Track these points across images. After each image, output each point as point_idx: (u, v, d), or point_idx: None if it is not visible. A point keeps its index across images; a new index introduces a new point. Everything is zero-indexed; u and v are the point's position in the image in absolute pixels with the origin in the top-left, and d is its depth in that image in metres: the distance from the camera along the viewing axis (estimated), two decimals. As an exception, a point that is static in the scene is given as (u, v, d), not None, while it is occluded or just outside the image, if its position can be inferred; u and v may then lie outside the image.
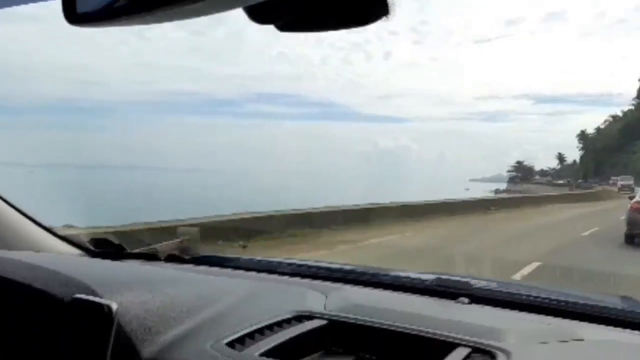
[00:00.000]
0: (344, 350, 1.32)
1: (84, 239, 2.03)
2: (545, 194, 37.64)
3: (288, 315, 1.32)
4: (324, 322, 1.33)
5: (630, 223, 13.13)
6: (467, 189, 60.98)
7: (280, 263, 2.01)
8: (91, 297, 1.12)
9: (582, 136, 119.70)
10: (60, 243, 1.89)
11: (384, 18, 0.53)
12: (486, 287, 1.66)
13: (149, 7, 0.49)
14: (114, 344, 1.08)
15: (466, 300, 1.55)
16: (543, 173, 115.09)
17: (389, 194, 37.44)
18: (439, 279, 1.68)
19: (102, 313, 1.09)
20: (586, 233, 14.33)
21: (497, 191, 65.68)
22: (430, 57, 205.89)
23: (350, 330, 1.32)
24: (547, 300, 1.55)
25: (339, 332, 1.33)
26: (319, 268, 1.94)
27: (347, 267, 1.98)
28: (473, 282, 1.66)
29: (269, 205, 14.84)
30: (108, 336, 1.08)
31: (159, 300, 1.22)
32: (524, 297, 1.59)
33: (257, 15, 0.54)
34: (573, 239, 13.07)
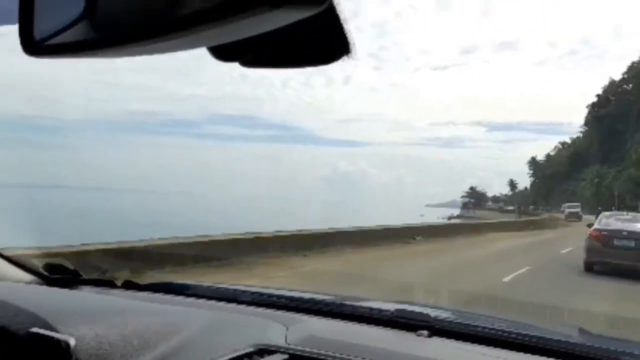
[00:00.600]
0: None
1: (38, 264, 1.95)
2: (490, 221, 36.62)
3: (249, 350, 1.31)
4: (285, 356, 1.33)
5: (589, 251, 12.74)
6: (422, 215, 61.96)
7: (239, 291, 1.98)
8: (48, 332, 1.09)
9: (533, 163, 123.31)
10: (13, 269, 1.82)
11: (345, 57, 0.54)
12: (446, 319, 1.68)
13: (115, 43, 0.49)
14: None
15: (425, 333, 1.56)
16: (495, 199, 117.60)
17: (344, 218, 37.60)
18: (399, 310, 1.69)
19: (60, 349, 1.06)
20: (508, 278, 10.94)
21: (450, 217, 66.80)
22: (389, 83, 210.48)
23: None
24: (504, 334, 1.57)
25: None
26: (279, 297, 1.92)
27: (308, 296, 1.97)
28: (433, 313, 1.68)
29: (215, 229, 14.09)
30: None
31: (115, 333, 1.19)
32: (480, 329, 1.60)
33: (221, 53, 0.53)
34: (486, 288, 9.48)
